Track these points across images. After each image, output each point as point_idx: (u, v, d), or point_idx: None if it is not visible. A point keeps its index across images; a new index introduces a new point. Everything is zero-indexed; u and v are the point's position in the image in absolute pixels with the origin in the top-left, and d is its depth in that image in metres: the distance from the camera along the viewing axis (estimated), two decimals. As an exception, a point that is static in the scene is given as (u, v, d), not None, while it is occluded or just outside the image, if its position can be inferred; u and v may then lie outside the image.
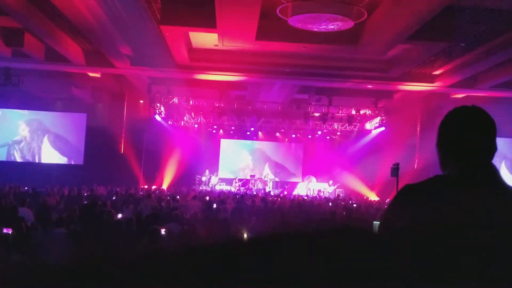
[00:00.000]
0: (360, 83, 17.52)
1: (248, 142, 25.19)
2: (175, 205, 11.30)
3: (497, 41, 12.83)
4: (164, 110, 21.87)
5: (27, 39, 14.17)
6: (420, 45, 13.09)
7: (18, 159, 22.58)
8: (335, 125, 23.01)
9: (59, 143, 22.69)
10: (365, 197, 20.88)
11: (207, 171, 23.15)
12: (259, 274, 0.58)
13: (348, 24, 11.13)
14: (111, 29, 13.19)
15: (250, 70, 16.37)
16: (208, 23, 11.88)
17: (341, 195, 21.25)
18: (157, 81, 19.43)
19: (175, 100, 20.90)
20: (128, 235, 6.65)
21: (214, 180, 23.02)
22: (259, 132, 24.66)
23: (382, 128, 21.66)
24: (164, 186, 21.07)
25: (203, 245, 0.64)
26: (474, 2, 10.53)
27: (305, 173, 25.09)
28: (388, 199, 16.04)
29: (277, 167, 25.26)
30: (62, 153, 22.74)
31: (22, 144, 22.69)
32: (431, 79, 16.95)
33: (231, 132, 24.46)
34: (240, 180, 23.41)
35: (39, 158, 22.69)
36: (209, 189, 21.43)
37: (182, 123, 23.46)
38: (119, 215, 8.86)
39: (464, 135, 1.52)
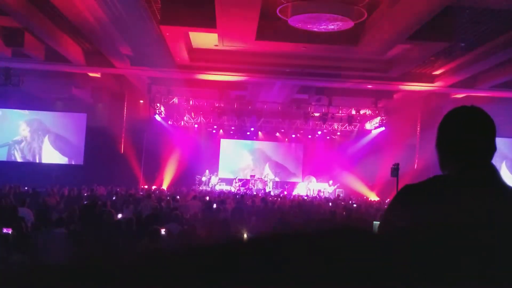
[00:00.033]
0: (360, 83, 17.52)
1: (248, 142, 25.20)
2: (175, 205, 11.30)
3: (497, 41, 12.83)
4: (164, 110, 21.88)
5: (27, 39, 14.17)
6: (420, 45, 13.10)
7: (19, 159, 22.58)
8: (335, 125, 23.01)
9: (59, 143, 22.69)
10: (365, 197, 20.89)
11: (207, 171, 23.16)
12: (259, 274, 0.58)
13: (348, 24, 11.13)
14: (111, 29, 13.19)
15: (250, 70, 16.37)
16: (208, 23, 11.88)
17: (341, 195, 21.25)
18: (157, 81, 19.43)
19: (175, 100, 20.90)
20: (128, 235, 6.65)
21: (214, 180, 23.02)
22: (259, 132, 24.66)
23: (382, 128, 21.66)
24: (164, 186, 21.07)
25: (203, 245, 0.64)
26: (474, 2, 10.53)
27: (305, 173, 25.10)
28: (388, 199, 16.04)
29: (278, 167, 25.26)
30: (63, 153, 22.74)
31: (23, 144, 22.69)
32: (431, 79, 16.95)
33: (231, 132, 24.46)
34: (240, 180, 23.42)
35: (40, 158, 22.69)
36: (209, 189, 21.43)
37: (182, 123, 23.46)
38: (119, 215, 8.86)
39: (463, 135, 1.52)
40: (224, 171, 24.73)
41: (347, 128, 23.00)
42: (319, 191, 22.43)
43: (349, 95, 19.88)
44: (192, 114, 23.07)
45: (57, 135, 22.76)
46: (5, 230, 6.11)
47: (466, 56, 14.36)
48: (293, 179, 25.18)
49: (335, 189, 22.48)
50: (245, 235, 0.69)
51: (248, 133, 24.16)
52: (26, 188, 15.36)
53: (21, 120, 22.61)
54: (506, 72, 15.15)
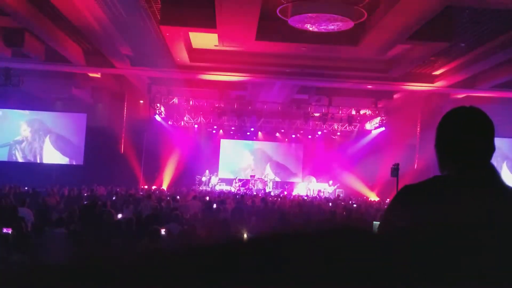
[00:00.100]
0: (360, 83, 17.52)
1: (249, 142, 25.21)
2: (175, 205, 11.31)
3: (497, 41, 12.83)
4: (164, 110, 21.88)
5: (27, 39, 14.16)
6: (420, 45, 13.09)
7: (20, 159, 22.57)
8: (335, 125, 23.01)
9: (60, 144, 22.69)
10: (365, 197, 20.89)
11: (207, 171, 23.16)
12: (259, 274, 0.58)
13: (348, 24, 11.13)
14: (111, 29, 13.19)
15: (250, 70, 16.37)
16: (208, 23, 11.88)
17: (341, 195, 21.24)
18: (157, 81, 19.43)
19: (175, 100, 20.90)
20: (128, 235, 6.65)
21: (214, 180, 23.02)
22: (259, 132, 24.66)
23: (382, 128, 21.66)
24: (164, 186, 21.08)
25: (203, 245, 0.64)
26: (474, 2, 10.53)
27: (305, 173, 25.10)
28: (388, 199, 16.04)
29: (278, 167, 25.27)
30: (64, 153, 22.74)
31: (24, 144, 22.69)
32: (431, 79, 16.95)
33: (231, 132, 24.47)
34: (240, 180, 23.42)
35: (41, 158, 22.69)
36: (209, 189, 21.43)
37: (182, 123, 23.46)
38: (119, 215, 8.86)
39: (462, 136, 1.52)
40: (224, 171, 24.73)
41: (347, 128, 23.00)
42: (319, 191, 22.44)
43: (349, 95, 19.88)
44: (192, 114, 23.06)
45: (58, 135, 22.76)
46: (5, 230, 6.12)
47: (466, 56, 14.37)
48: (294, 179, 25.19)
49: (335, 189, 22.48)
50: (245, 235, 0.69)
51: (248, 133, 24.16)
52: (26, 188, 15.37)
53: (22, 120, 22.61)
54: (506, 72, 15.15)
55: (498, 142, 1.56)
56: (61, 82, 18.84)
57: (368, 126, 22.97)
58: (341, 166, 23.22)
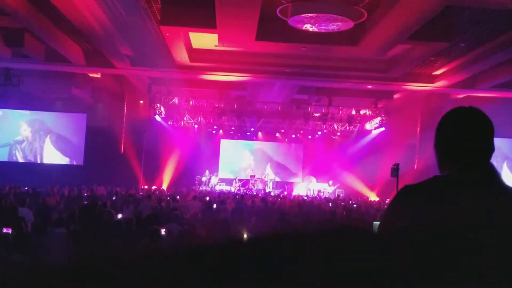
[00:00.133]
0: (360, 83, 17.51)
1: (249, 142, 25.21)
2: (175, 205, 11.31)
3: (497, 41, 12.83)
4: (164, 110, 21.88)
5: (27, 39, 14.17)
6: (420, 45, 13.09)
7: (20, 159, 22.57)
8: (335, 126, 23.01)
9: (61, 144, 22.69)
10: (365, 197, 20.89)
11: (207, 171, 23.16)
12: (259, 274, 0.58)
13: (348, 24, 11.13)
14: (111, 30, 13.19)
15: (250, 70, 16.37)
16: (208, 23, 11.88)
17: (341, 195, 21.24)
18: (157, 81, 19.43)
19: (175, 100, 20.90)
20: (128, 235, 6.65)
21: (214, 180, 23.03)
22: (259, 132, 24.66)
23: (382, 129, 21.66)
24: (164, 186, 21.08)
25: (203, 245, 0.64)
26: (474, 2, 10.53)
27: (305, 173, 25.11)
28: (388, 200, 16.04)
29: (279, 167, 25.27)
30: (64, 153, 22.74)
31: (24, 144, 22.68)
32: (431, 79, 16.94)
33: (231, 132, 24.47)
34: (240, 180, 23.42)
35: (41, 158, 22.68)
36: (209, 189, 21.43)
37: (182, 124, 23.46)
38: (119, 215, 8.86)
39: (461, 136, 1.52)
40: (224, 171, 24.73)
41: (347, 128, 23.00)
42: (319, 191, 22.44)
43: (349, 95, 19.87)
44: (192, 114, 23.07)
45: (59, 135, 22.76)
46: (5, 230, 6.12)
47: (466, 56, 14.36)
48: (294, 179, 25.20)
49: (335, 189, 22.48)
50: (245, 235, 0.69)
51: (248, 133, 24.16)
52: (26, 188, 15.37)
53: (22, 120, 22.61)
54: (506, 72, 15.15)
55: (498, 142, 1.56)
56: (61, 82, 18.83)
57: (368, 126, 22.97)
58: (341, 166, 23.22)
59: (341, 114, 21.71)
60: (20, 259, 4.74)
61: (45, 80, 18.38)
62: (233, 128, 23.78)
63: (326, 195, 21.43)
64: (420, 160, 20.44)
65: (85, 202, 10.93)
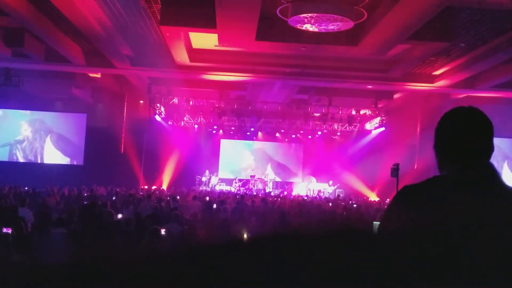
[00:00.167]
0: (360, 83, 17.51)
1: (249, 142, 25.21)
2: (175, 205, 11.31)
3: (497, 41, 12.82)
4: (164, 110, 21.88)
5: (27, 39, 14.17)
6: (420, 45, 13.09)
7: (21, 159, 22.57)
8: (335, 126, 23.01)
9: (61, 143, 22.69)
10: (365, 197, 20.89)
11: (207, 171, 23.16)
12: (259, 274, 0.58)
13: (348, 24, 11.12)
14: (111, 30, 13.19)
15: (250, 70, 16.37)
16: (208, 23, 11.88)
17: (341, 195, 21.24)
18: (157, 81, 19.43)
19: (175, 100, 20.90)
20: (128, 235, 6.65)
21: (214, 180, 23.03)
22: (259, 132, 24.66)
23: (382, 129, 21.65)
24: (164, 186, 21.09)
25: (203, 245, 0.64)
26: (474, 2, 10.53)
27: (305, 173, 25.11)
28: (388, 200, 16.04)
29: (279, 167, 25.28)
30: (65, 153, 22.74)
31: (25, 143, 22.68)
32: (431, 79, 16.94)
33: (231, 132, 24.47)
34: (240, 180, 23.42)
35: (42, 158, 22.69)
36: (209, 189, 21.43)
37: (182, 124, 23.46)
38: (119, 215, 8.86)
39: (461, 136, 1.52)
40: (224, 171, 24.74)
41: (347, 128, 23.00)
42: (319, 191, 22.44)
43: (349, 95, 19.87)
44: (192, 114, 23.07)
45: (59, 135, 22.76)
46: (5, 230, 6.11)
47: (466, 56, 14.36)
48: (294, 179, 25.20)
49: (335, 189, 22.48)
50: (245, 235, 0.69)
51: (248, 133, 24.16)
52: (26, 188, 15.37)
53: (22, 119, 22.62)
54: (506, 72, 15.14)
55: (499, 142, 1.57)
56: (61, 82, 18.83)
57: (368, 126, 22.96)
58: (341, 166, 23.23)
59: (341, 114, 21.71)
60: (20, 259, 4.73)
61: (45, 80, 18.38)
62: (233, 128, 23.78)
63: (326, 195, 21.43)
64: (420, 160, 20.43)
65: (85, 202, 10.92)
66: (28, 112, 22.38)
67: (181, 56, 14.95)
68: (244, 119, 22.50)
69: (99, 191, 15.96)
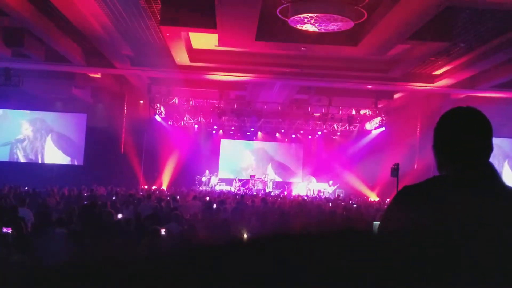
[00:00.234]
0: (360, 83, 17.51)
1: (249, 142, 25.21)
2: (175, 205, 11.31)
3: (497, 41, 12.82)
4: (164, 110, 21.89)
5: (27, 39, 14.17)
6: (420, 45, 13.09)
7: (21, 159, 22.57)
8: (335, 126, 23.01)
9: (62, 143, 22.69)
10: (365, 197, 20.89)
11: (207, 171, 23.16)
12: (259, 274, 0.58)
13: (348, 24, 11.12)
14: (111, 30, 13.19)
15: (250, 70, 16.37)
16: (208, 23, 11.88)
17: (341, 195, 21.24)
18: (157, 81, 19.44)
19: (175, 100, 20.91)
20: (128, 235, 6.65)
21: (214, 180, 23.03)
22: (259, 133, 24.66)
23: (382, 129, 21.66)
24: (164, 186, 21.09)
25: (203, 245, 0.64)
26: (474, 2, 10.53)
27: (305, 173, 25.12)
28: (388, 200, 16.04)
29: (280, 167, 25.29)
30: (66, 152, 22.74)
31: (25, 143, 22.68)
32: (431, 79, 16.94)
33: (231, 132, 24.47)
34: (240, 180, 23.42)
35: (42, 157, 22.68)
36: (209, 189, 21.44)
37: (182, 124, 23.46)
38: (119, 215, 8.87)
39: (460, 136, 1.53)
40: (224, 171, 24.74)
41: (347, 128, 23.00)
42: (319, 191, 22.44)
43: (349, 95, 19.88)
44: (192, 114, 23.08)
45: (60, 134, 22.77)
46: (5, 230, 6.12)
47: (466, 56, 14.36)
48: (294, 179, 25.20)
49: (335, 189, 22.48)
50: (245, 235, 0.69)
51: (248, 133, 24.16)
52: (26, 188, 15.37)
53: (23, 119, 22.62)
54: (506, 72, 15.14)
55: (500, 142, 1.57)
56: (61, 82, 18.84)
57: (368, 126, 22.97)
58: (341, 166, 23.23)
59: (341, 114, 21.71)
60: (20, 259, 4.73)
61: (45, 80, 18.39)
62: (233, 128, 23.79)
63: (326, 195, 21.43)
64: (420, 160, 20.43)
65: (85, 202, 10.93)
66: (28, 111, 22.39)
67: (181, 56, 14.96)
68: (244, 119, 22.50)
69: (99, 191, 15.96)
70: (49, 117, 22.63)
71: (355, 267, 0.61)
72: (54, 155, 22.56)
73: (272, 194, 20.69)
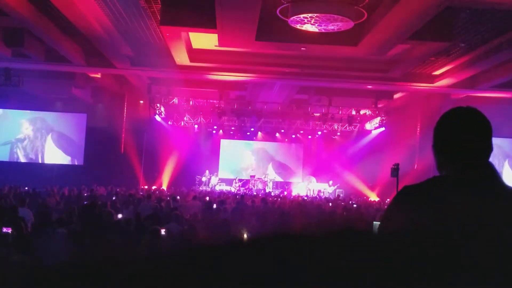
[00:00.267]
0: (360, 83, 17.51)
1: (249, 142, 25.22)
2: (175, 205, 11.31)
3: (497, 41, 12.82)
4: (164, 110, 21.89)
5: (27, 39, 14.17)
6: (420, 45, 13.09)
7: (22, 158, 22.56)
8: (335, 126, 23.02)
9: (62, 142, 22.69)
10: (365, 197, 20.89)
11: (207, 171, 23.16)
12: (259, 274, 0.58)
13: (348, 24, 11.12)
14: (111, 30, 13.19)
15: (250, 70, 16.37)
16: (208, 23, 11.88)
17: (341, 195, 21.24)
18: (157, 81, 19.44)
19: (175, 100, 20.91)
20: (128, 235, 6.65)
21: (214, 180, 23.03)
22: (259, 133, 24.66)
23: (382, 129, 21.66)
24: (164, 186, 21.09)
25: (203, 245, 0.64)
26: (474, 2, 10.53)
27: (305, 173, 25.12)
28: (388, 200, 16.04)
29: (281, 167, 25.29)
30: (66, 152, 22.74)
31: (26, 142, 22.67)
32: (431, 79, 16.94)
33: (231, 132, 24.47)
34: (240, 180, 23.42)
35: (43, 156, 22.68)
36: (209, 189, 21.44)
37: (182, 124, 23.46)
38: (119, 215, 8.87)
39: (460, 136, 1.52)
40: (224, 171, 24.74)
41: (347, 128, 23.01)
42: (319, 191, 22.43)
43: (349, 95, 19.88)
44: (192, 114, 23.08)
45: (60, 133, 22.76)
46: (5, 230, 6.11)
47: (466, 56, 14.36)
48: (294, 179, 25.21)
49: (335, 189, 22.48)
50: (245, 235, 0.69)
51: (248, 133, 24.16)
52: (26, 188, 15.37)
53: (23, 118, 22.61)
54: (506, 72, 15.14)
55: (500, 142, 1.57)
56: (61, 82, 18.84)
57: (368, 126, 22.97)
58: (341, 166, 23.23)
59: (341, 114, 21.72)
60: (20, 259, 4.73)
61: (45, 80, 18.39)
62: (233, 128, 23.79)
63: (326, 195, 21.43)
64: (420, 160, 20.43)
65: (85, 202, 10.93)
66: (28, 111, 22.39)
67: (181, 56, 14.96)
68: (244, 119, 22.50)
69: (99, 191, 15.97)
70: (49, 117, 22.64)
71: (355, 267, 0.61)
72: (54, 155, 22.56)
73: (272, 194, 20.68)
